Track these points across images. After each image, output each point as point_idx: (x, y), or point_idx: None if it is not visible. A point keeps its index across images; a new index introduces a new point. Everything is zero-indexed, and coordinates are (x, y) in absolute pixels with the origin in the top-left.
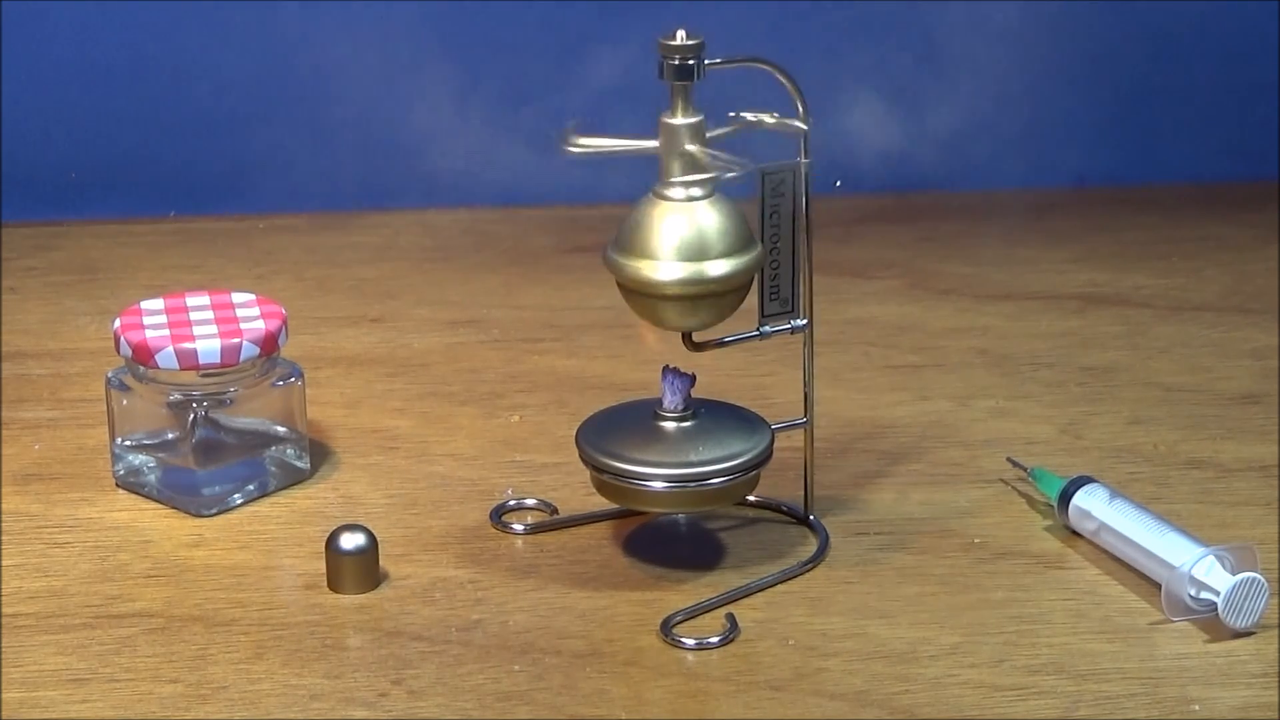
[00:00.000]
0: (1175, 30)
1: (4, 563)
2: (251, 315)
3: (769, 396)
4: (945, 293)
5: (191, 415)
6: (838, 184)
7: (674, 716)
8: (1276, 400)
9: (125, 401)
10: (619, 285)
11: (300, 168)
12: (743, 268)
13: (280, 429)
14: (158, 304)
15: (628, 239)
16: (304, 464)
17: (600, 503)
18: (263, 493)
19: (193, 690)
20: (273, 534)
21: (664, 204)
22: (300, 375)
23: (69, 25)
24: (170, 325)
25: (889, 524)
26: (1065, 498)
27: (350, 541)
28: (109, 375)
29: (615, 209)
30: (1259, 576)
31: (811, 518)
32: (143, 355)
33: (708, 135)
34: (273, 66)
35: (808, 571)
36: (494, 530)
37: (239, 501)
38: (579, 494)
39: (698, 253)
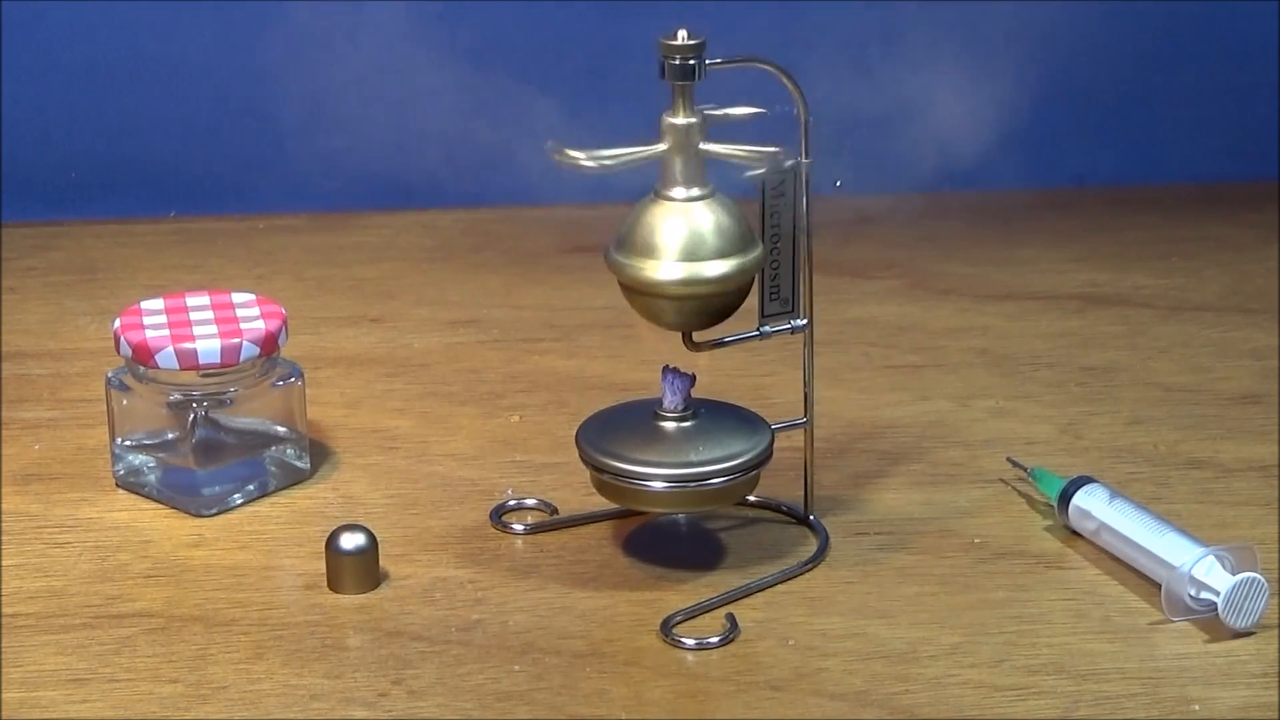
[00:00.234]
0: (1175, 30)
1: (4, 563)
2: (251, 315)
3: (769, 396)
4: (945, 293)
5: (191, 415)
6: (838, 184)
7: (674, 716)
8: (1276, 400)
9: (125, 401)
10: (620, 285)
11: (300, 168)
12: (743, 268)
13: (280, 429)
14: (158, 304)
15: (629, 239)
16: (304, 464)
17: (600, 503)
18: (263, 493)
19: (193, 690)
20: (273, 534)
21: (665, 204)
22: (300, 375)
23: (69, 25)
24: (170, 325)
25: (889, 524)
26: (1065, 498)
27: (350, 541)
28: (109, 375)
29: (615, 209)
30: (1259, 576)
31: (811, 518)
32: (143, 355)
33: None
34: (273, 66)
35: (808, 571)
36: (494, 530)
37: (239, 501)
38: (579, 494)
39: (698, 253)
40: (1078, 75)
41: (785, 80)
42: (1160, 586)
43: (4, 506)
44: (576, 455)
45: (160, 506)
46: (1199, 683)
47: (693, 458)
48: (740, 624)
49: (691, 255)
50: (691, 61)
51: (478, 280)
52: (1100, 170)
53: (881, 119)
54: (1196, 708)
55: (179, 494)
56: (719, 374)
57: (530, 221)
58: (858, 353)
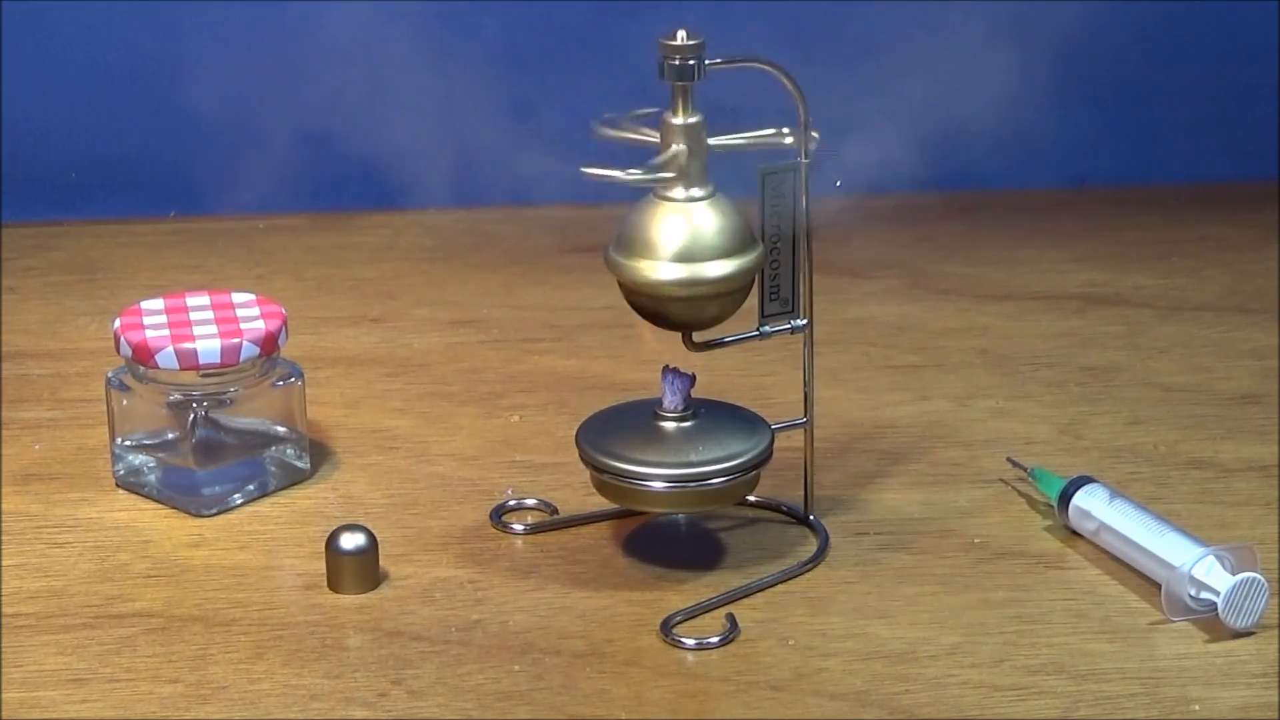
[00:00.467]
0: (1175, 30)
1: (4, 563)
2: (251, 315)
3: (769, 396)
4: (945, 293)
5: (191, 415)
6: (838, 184)
7: (674, 716)
8: (1276, 400)
9: (125, 401)
10: (620, 285)
11: (300, 168)
12: (743, 268)
13: (280, 429)
14: (158, 304)
15: (628, 239)
16: (304, 464)
17: (600, 503)
18: (263, 493)
19: (193, 690)
20: (273, 534)
21: (664, 204)
22: (300, 375)
23: (69, 25)
24: (170, 325)
25: (889, 524)
26: (1065, 498)
27: (350, 541)
28: (109, 375)
29: (615, 209)
30: (1259, 576)
31: (811, 518)
32: (143, 355)
33: (712, 141)
34: (273, 66)
35: (808, 571)
36: (494, 530)
37: (239, 501)
38: (579, 494)
39: (698, 253)
40: (1078, 75)
41: (785, 80)
42: (1160, 586)
43: (4, 506)
44: (576, 455)
45: (160, 506)
46: (1199, 683)
47: (693, 458)
48: (740, 624)
49: (691, 255)
50: (691, 61)
51: (478, 280)
52: (1100, 170)
53: (881, 119)
54: (1196, 708)
55: (179, 494)
56: (719, 374)
57: (530, 221)
58: (858, 353)
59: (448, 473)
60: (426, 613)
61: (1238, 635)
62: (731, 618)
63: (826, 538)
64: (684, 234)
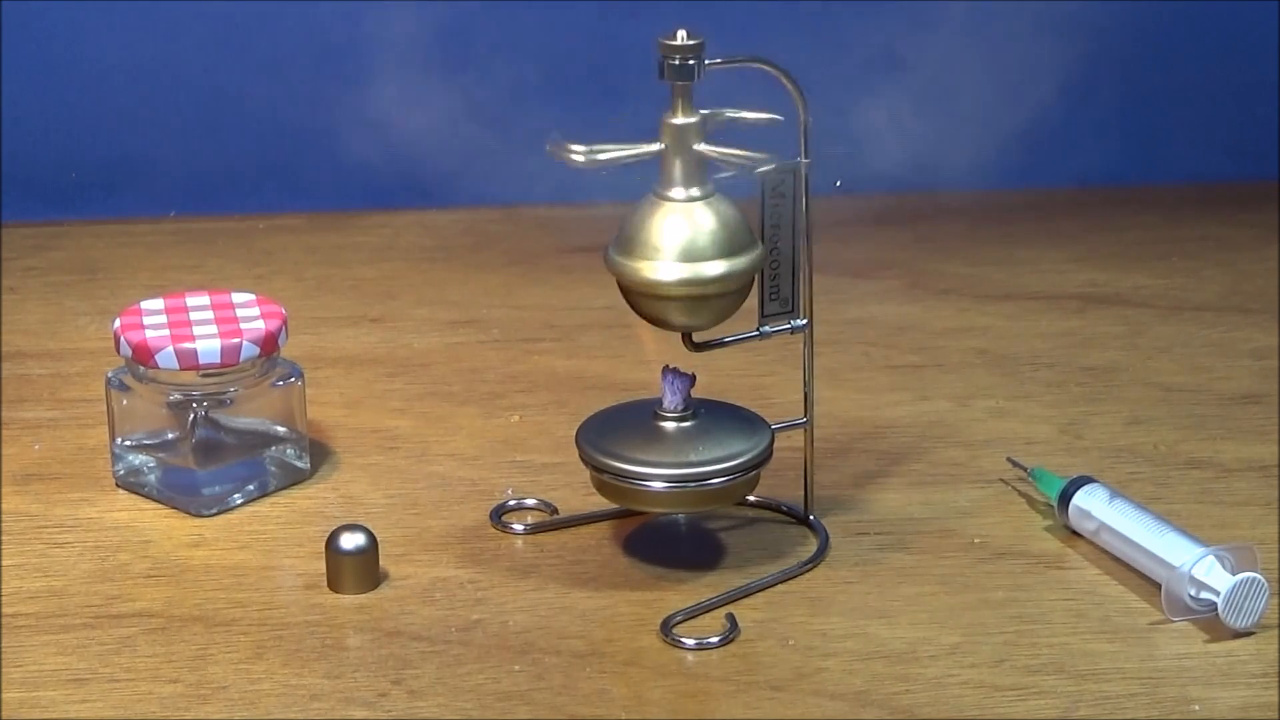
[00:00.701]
0: (1175, 30)
1: (4, 563)
2: (251, 315)
3: (769, 396)
4: (945, 293)
5: (191, 415)
6: (838, 184)
7: (674, 716)
8: (1276, 400)
9: (125, 401)
10: (619, 286)
11: (300, 168)
12: (743, 268)
13: (280, 429)
14: (158, 304)
15: (628, 239)
16: (304, 464)
17: (600, 503)
18: (263, 493)
19: (193, 690)
20: (273, 534)
21: (664, 204)
22: (300, 375)
23: (69, 25)
24: (170, 325)
25: (889, 524)
26: (1065, 498)
27: (350, 541)
28: (109, 375)
29: (615, 209)
30: (1259, 576)
31: (811, 518)
32: (143, 355)
33: (701, 147)
34: (273, 66)
35: (808, 571)
36: (494, 530)
37: (239, 501)
38: (579, 494)
39: (698, 253)
40: (1078, 75)
41: (785, 80)
42: (1160, 586)
43: (4, 506)
44: (576, 455)
45: (160, 506)
46: (1199, 683)
47: (693, 458)
48: (740, 624)
49: (691, 255)
50: (691, 61)
51: (478, 280)
52: (1100, 170)
53: (881, 119)
54: (1196, 708)
55: (179, 494)
56: (719, 374)
57: (530, 221)
58: (858, 353)
59: (448, 473)
60: (426, 613)
61: (1238, 635)
62: (731, 618)
63: (826, 538)
64: (684, 234)
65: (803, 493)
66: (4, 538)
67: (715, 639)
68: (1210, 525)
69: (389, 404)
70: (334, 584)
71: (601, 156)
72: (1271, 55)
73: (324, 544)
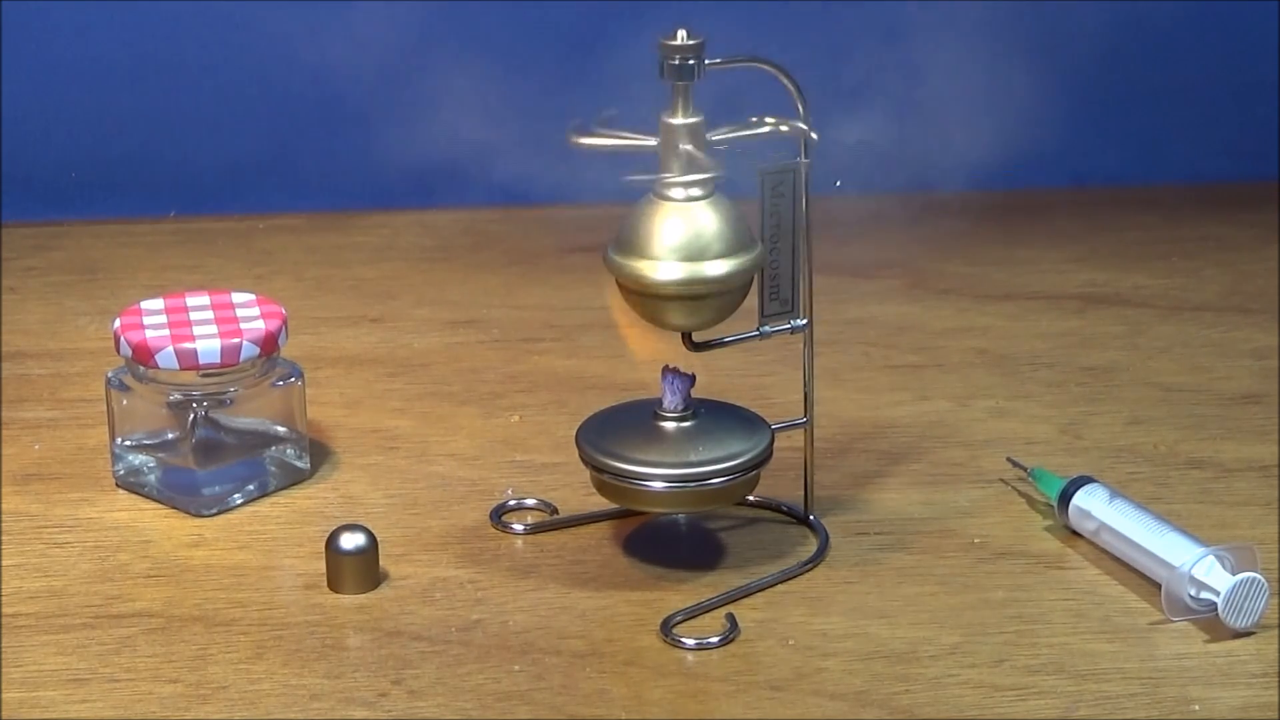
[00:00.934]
0: (1175, 30)
1: (4, 563)
2: (251, 315)
3: (769, 396)
4: (945, 293)
5: (191, 415)
6: (838, 184)
7: (674, 716)
8: (1276, 400)
9: (125, 401)
10: (619, 285)
11: (300, 168)
12: (742, 268)
13: (280, 429)
14: (158, 304)
15: (627, 239)
16: (304, 464)
17: (600, 503)
18: (263, 493)
19: (193, 690)
20: (273, 534)
21: (664, 204)
22: (300, 375)
23: (69, 25)
24: (170, 325)
25: (889, 524)
26: (1065, 498)
27: (350, 541)
28: (109, 375)
29: (615, 209)
30: (1259, 576)
31: (811, 518)
32: (143, 355)
33: (712, 135)
34: (273, 66)
35: (808, 571)
36: (494, 530)
37: (239, 501)
38: (579, 494)
39: (697, 253)
40: (1078, 75)
41: (785, 80)
42: (1160, 586)
43: (4, 506)
44: (576, 455)
45: (160, 506)
46: (1199, 683)
47: (693, 458)
48: (740, 624)
49: (691, 255)
50: (690, 61)
51: (478, 280)
52: (1100, 170)
53: (881, 119)
54: (1196, 708)
55: (179, 494)
56: (719, 374)
57: (530, 221)
58: (858, 353)
59: (448, 473)
60: (426, 613)
61: (1238, 635)
62: (731, 618)
63: (826, 538)
64: (684, 234)
65: (803, 493)
66: (4, 538)
67: (715, 639)
68: (1210, 525)
69: (389, 404)
70: (334, 584)
71: (598, 145)
72: (1271, 55)
73: (324, 544)
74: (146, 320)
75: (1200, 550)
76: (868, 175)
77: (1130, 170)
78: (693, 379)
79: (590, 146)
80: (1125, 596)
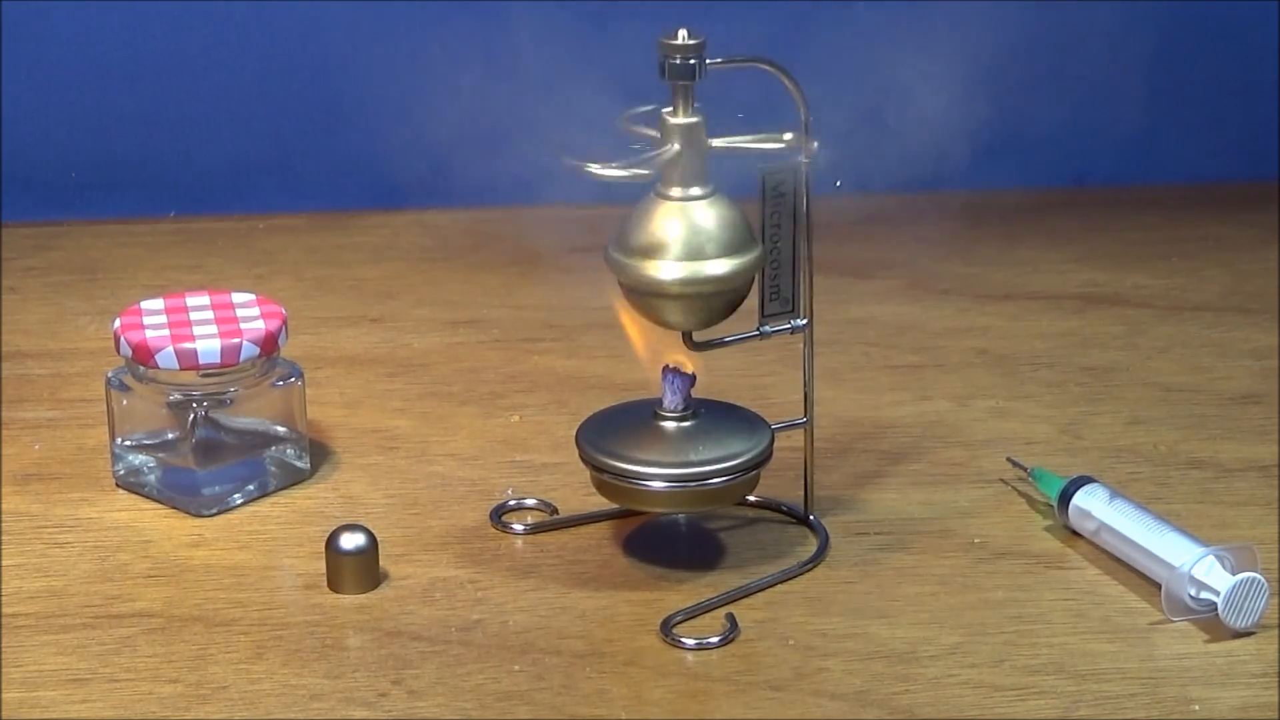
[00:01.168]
0: (1175, 30)
1: (4, 563)
2: (251, 315)
3: (769, 396)
4: (945, 293)
5: (191, 415)
6: (838, 184)
7: (674, 716)
8: (1276, 400)
9: (125, 401)
10: (620, 285)
11: (300, 168)
12: (743, 267)
13: (280, 429)
14: (158, 304)
15: (628, 238)
16: (304, 464)
17: (600, 503)
18: (263, 493)
19: (193, 690)
20: (273, 534)
21: (664, 203)
22: (300, 375)
23: (69, 25)
24: (170, 325)
25: (889, 524)
26: (1065, 498)
27: (350, 541)
28: (109, 375)
29: (615, 209)
30: (1259, 576)
31: (811, 518)
32: (143, 355)
33: (715, 141)
34: (273, 66)
35: (808, 571)
36: (494, 530)
37: (239, 501)
38: (579, 494)
39: (698, 252)
40: (1078, 75)
41: (785, 80)
42: (1160, 586)
43: (4, 506)
44: (576, 455)
45: (160, 506)
46: (1199, 683)
47: (693, 458)
48: (740, 624)
49: (692, 255)
50: (691, 61)
51: (478, 280)
52: (1100, 170)
53: (881, 119)
54: (1196, 708)
55: (179, 494)
56: (719, 374)
57: (530, 221)
58: (858, 353)
59: (448, 473)
60: (426, 613)
61: (1238, 635)
62: (731, 618)
63: (826, 538)
64: (684, 233)
65: (803, 493)
66: (4, 538)
67: (715, 639)
68: (1210, 525)
69: (389, 404)
70: (334, 584)
71: (622, 172)
72: (1271, 55)
73: (324, 544)
74: (146, 320)
75: (1200, 550)
76: (867, 175)
77: (1130, 170)
78: (693, 379)
79: (616, 177)
80: (1125, 596)
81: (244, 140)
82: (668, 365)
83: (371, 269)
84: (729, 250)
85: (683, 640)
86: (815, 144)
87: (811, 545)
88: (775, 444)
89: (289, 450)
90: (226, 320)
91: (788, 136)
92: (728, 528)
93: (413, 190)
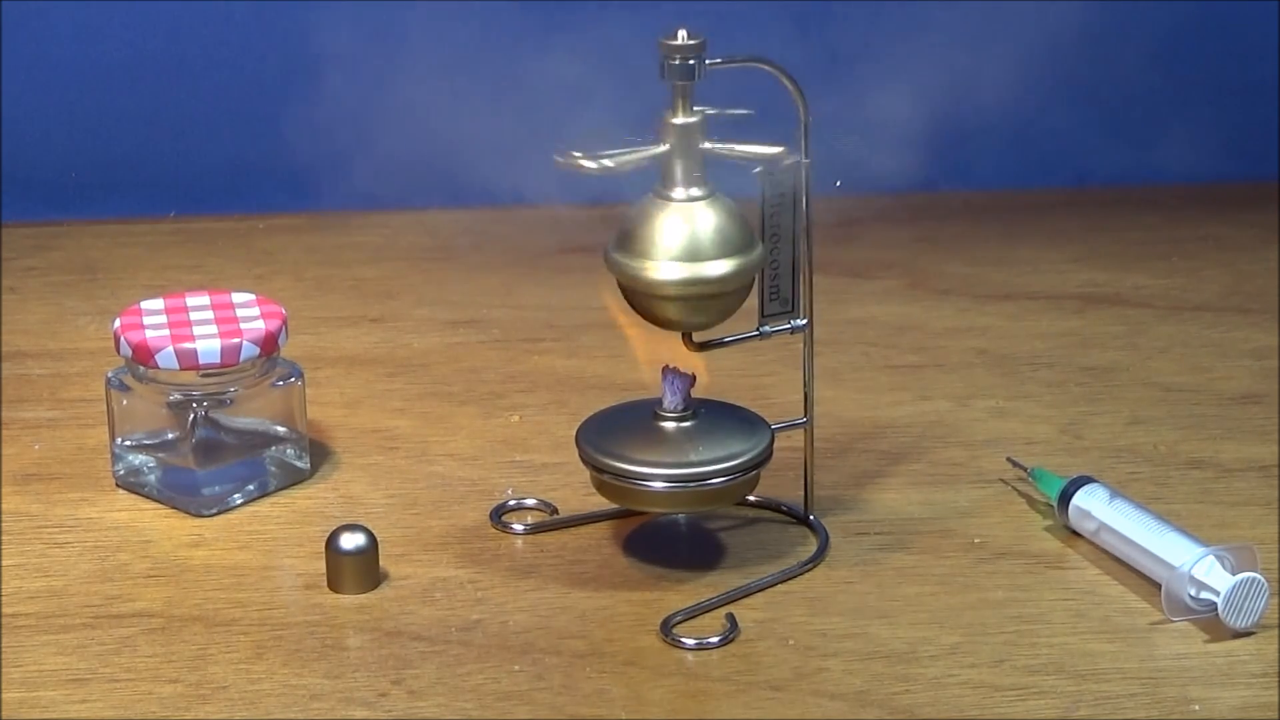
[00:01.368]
0: (1176, 30)
1: (4, 563)
2: (251, 315)
3: (769, 396)
4: (945, 293)
5: (191, 415)
6: (838, 184)
7: (674, 716)
8: (1276, 400)
9: (125, 401)
10: (619, 285)
11: (300, 168)
12: (743, 268)
13: (280, 429)
14: (158, 304)
15: (628, 239)
16: (304, 464)
17: (600, 503)
18: (263, 493)
19: (193, 690)
20: (273, 534)
21: (665, 204)
22: (300, 375)
23: (69, 25)
24: (170, 325)
25: (889, 524)
26: (1065, 498)
27: (350, 541)
28: (109, 375)
29: (615, 209)
30: (1259, 576)
31: (811, 518)
32: (143, 355)
33: (707, 145)
34: (273, 66)
35: (808, 571)
36: (494, 530)
37: (239, 501)
38: (579, 494)
39: (698, 253)
40: (1078, 75)
41: (785, 80)
42: (1160, 586)
43: (4, 506)
44: (576, 455)
45: (160, 506)
46: (1199, 683)
47: (693, 458)
48: (740, 624)
49: (692, 255)
50: (691, 61)
51: (478, 280)
52: (1100, 170)
53: (881, 118)
54: (1196, 708)
55: (179, 494)
56: (719, 374)
57: (530, 221)
58: (858, 353)
59: (448, 473)
60: (426, 613)
61: (1238, 635)
62: (731, 618)
63: (826, 538)
64: (684, 234)
65: (803, 493)
66: (4, 538)
67: (715, 639)
68: (1210, 525)
69: (389, 404)
70: (334, 584)
71: (610, 163)
72: (1271, 55)
73: (324, 544)
74: (146, 320)
75: (1200, 550)
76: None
77: (1130, 170)
78: (693, 379)
79: (600, 170)
80: (1125, 596)
81: (244, 140)
82: (668, 365)
83: (371, 269)
84: (729, 251)
85: (683, 640)
86: (806, 160)
87: (811, 545)
88: (775, 444)
89: (289, 450)
90: (226, 320)
91: (779, 149)
92: (728, 528)
93: (413, 190)
